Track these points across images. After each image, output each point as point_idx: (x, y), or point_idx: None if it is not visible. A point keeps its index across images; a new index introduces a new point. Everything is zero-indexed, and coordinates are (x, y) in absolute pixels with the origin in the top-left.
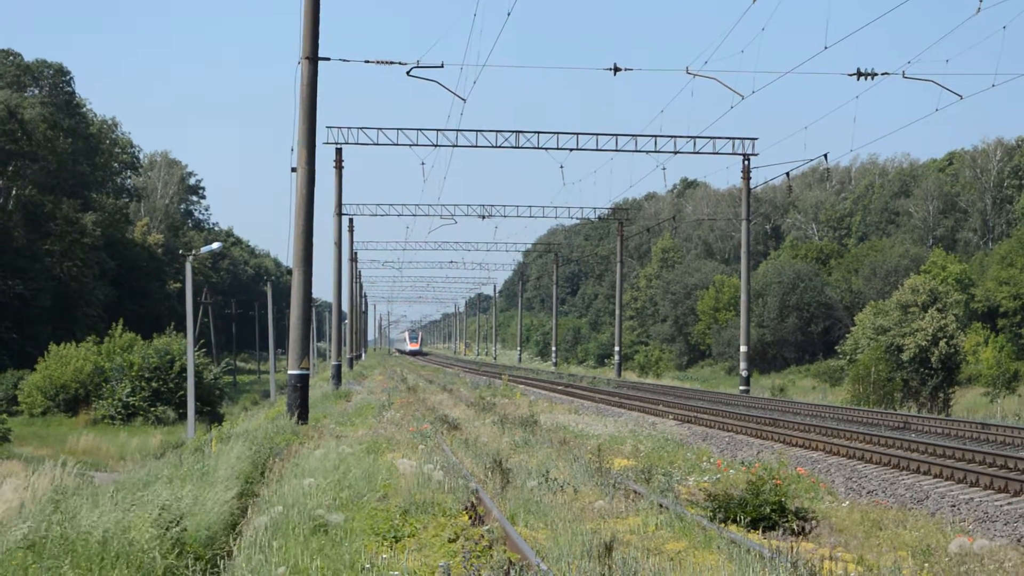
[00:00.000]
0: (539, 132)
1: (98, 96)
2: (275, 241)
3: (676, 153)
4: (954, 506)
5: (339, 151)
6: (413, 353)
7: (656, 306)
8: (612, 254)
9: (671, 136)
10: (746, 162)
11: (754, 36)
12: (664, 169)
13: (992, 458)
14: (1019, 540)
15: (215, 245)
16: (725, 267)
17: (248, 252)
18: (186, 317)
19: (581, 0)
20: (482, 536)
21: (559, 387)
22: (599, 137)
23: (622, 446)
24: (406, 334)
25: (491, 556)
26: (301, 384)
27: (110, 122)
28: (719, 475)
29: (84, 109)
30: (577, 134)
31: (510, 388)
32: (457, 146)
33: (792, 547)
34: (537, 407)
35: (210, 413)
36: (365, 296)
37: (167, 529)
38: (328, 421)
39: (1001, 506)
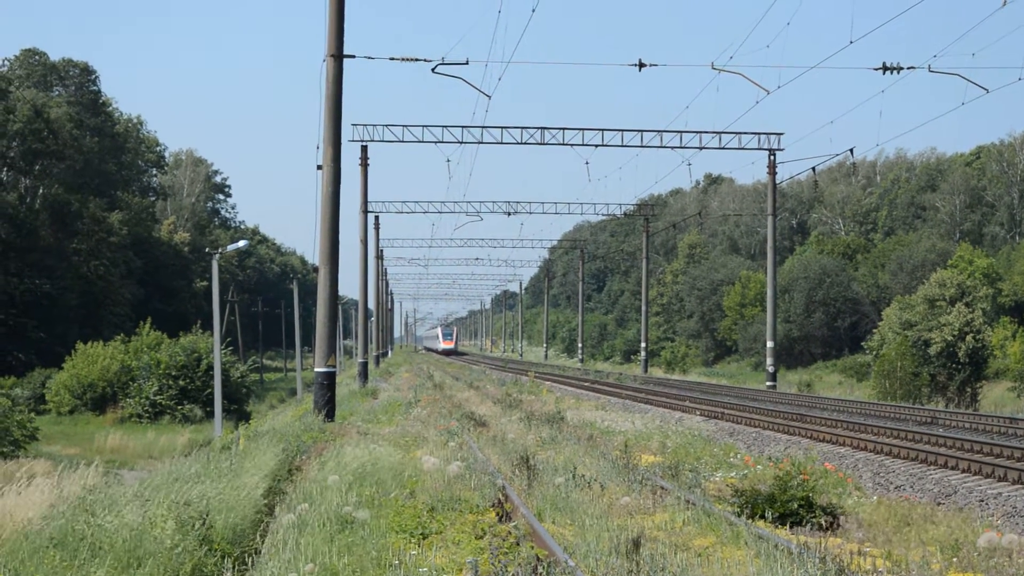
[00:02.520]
0: (564, 128)
1: (124, 95)
2: (301, 239)
3: (701, 149)
4: (982, 501)
5: (364, 148)
6: (447, 352)
7: (682, 302)
8: (638, 250)
9: (696, 132)
10: (772, 157)
11: (779, 31)
12: (690, 165)
13: (1021, 453)
14: None
15: (241, 243)
16: (751, 263)
17: (274, 250)
18: (212, 315)
19: None
20: (509, 533)
21: (585, 384)
22: (624, 133)
23: (649, 442)
24: (438, 330)
25: (519, 553)
26: (328, 382)
27: (135, 121)
28: (746, 471)
29: (110, 108)
30: (602, 130)
31: (536, 385)
32: (482, 143)
33: (820, 543)
34: (563, 404)
35: (237, 411)
36: (391, 293)
37: (193, 527)
38: (355, 419)
39: None
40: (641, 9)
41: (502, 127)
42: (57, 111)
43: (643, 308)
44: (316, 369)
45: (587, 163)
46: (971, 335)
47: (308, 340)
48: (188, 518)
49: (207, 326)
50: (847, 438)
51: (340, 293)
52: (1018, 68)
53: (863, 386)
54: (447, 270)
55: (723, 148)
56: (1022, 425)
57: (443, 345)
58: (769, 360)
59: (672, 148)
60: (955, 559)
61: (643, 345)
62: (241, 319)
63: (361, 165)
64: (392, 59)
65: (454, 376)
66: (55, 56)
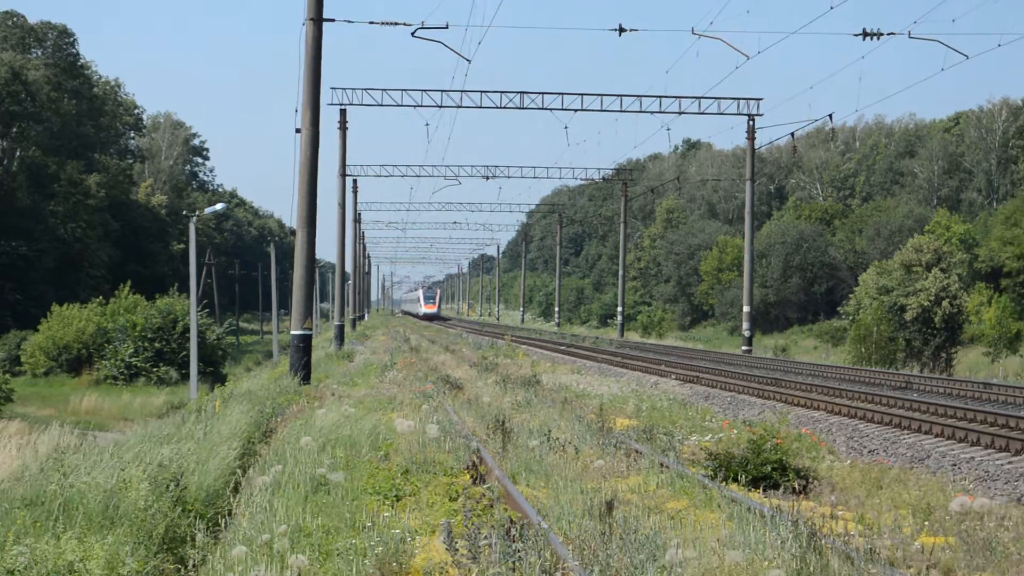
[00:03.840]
0: (543, 93)
1: (102, 58)
2: (279, 202)
3: (681, 114)
4: (955, 465)
5: (343, 112)
6: (429, 317)
7: (659, 267)
8: (616, 215)
9: (676, 97)
10: (751, 122)
11: None
12: (669, 130)
13: (993, 417)
14: (1019, 499)
15: (219, 206)
16: (728, 228)
17: (252, 213)
18: (189, 278)
19: None
20: (483, 495)
21: (561, 347)
22: (604, 98)
23: (624, 406)
24: (419, 292)
25: (492, 515)
26: (304, 344)
27: (114, 83)
28: (721, 434)
29: (88, 71)
30: (582, 95)
31: (512, 348)
32: (461, 107)
33: (793, 506)
34: (539, 367)
35: (213, 373)
36: (368, 257)
37: (167, 488)
38: (331, 381)
39: (1002, 465)
40: None
41: (481, 91)
42: (35, 74)
43: (620, 272)
44: (292, 332)
45: (566, 128)
46: (947, 300)
47: (285, 303)
48: (162, 479)
49: (184, 288)
50: (822, 402)
51: (317, 256)
52: (997, 34)
53: (839, 351)
54: (425, 233)
55: (702, 113)
56: (995, 390)
57: (425, 309)
58: (745, 324)
59: (651, 113)
60: (927, 522)
61: (620, 309)
62: (218, 282)
63: (340, 129)
64: (372, 23)
65: (430, 339)
66: (33, 19)
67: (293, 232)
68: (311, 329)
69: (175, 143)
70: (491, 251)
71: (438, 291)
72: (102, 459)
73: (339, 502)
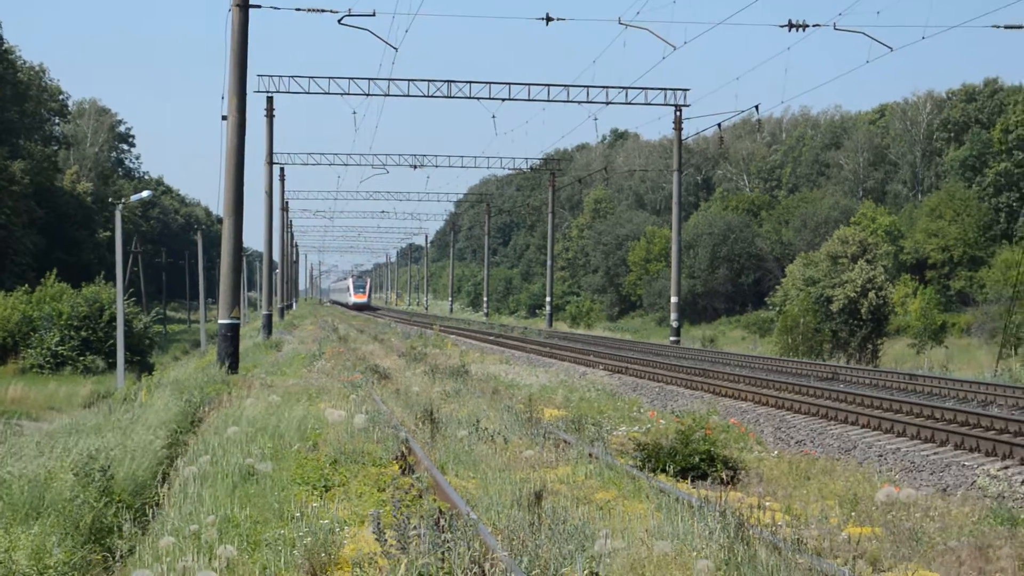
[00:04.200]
0: (471, 82)
1: (26, 43)
2: (206, 190)
3: (608, 104)
4: (881, 456)
5: (270, 100)
6: (359, 307)
7: (587, 257)
8: (544, 205)
9: (603, 87)
10: (678, 113)
11: None
12: (596, 120)
13: (919, 408)
14: (944, 489)
15: (145, 194)
16: (656, 218)
17: (178, 201)
18: (116, 266)
19: None
20: (412, 485)
21: (490, 337)
22: (531, 87)
23: (553, 396)
24: (348, 282)
25: (421, 505)
26: (231, 334)
27: (38, 69)
28: (649, 425)
29: (12, 56)
30: (509, 84)
31: (441, 338)
32: (389, 95)
33: (721, 496)
34: (468, 357)
35: (140, 363)
36: (296, 246)
37: (94, 478)
38: (258, 371)
39: (927, 456)
40: None
41: (409, 79)
42: None
43: (548, 262)
44: (220, 321)
45: (494, 117)
46: (873, 292)
47: (212, 292)
48: (89, 469)
49: (110, 277)
50: (749, 393)
51: (245, 245)
52: (922, 27)
53: (766, 342)
54: (353, 223)
55: (629, 103)
56: (921, 381)
57: (355, 299)
58: (673, 315)
59: (578, 103)
60: (854, 513)
61: (548, 299)
62: (145, 270)
63: (267, 116)
64: (298, 10)
65: (359, 329)
66: None
67: (220, 220)
68: (239, 318)
69: (100, 129)
70: (419, 241)
71: (368, 280)
72: (27, 449)
73: (267, 492)
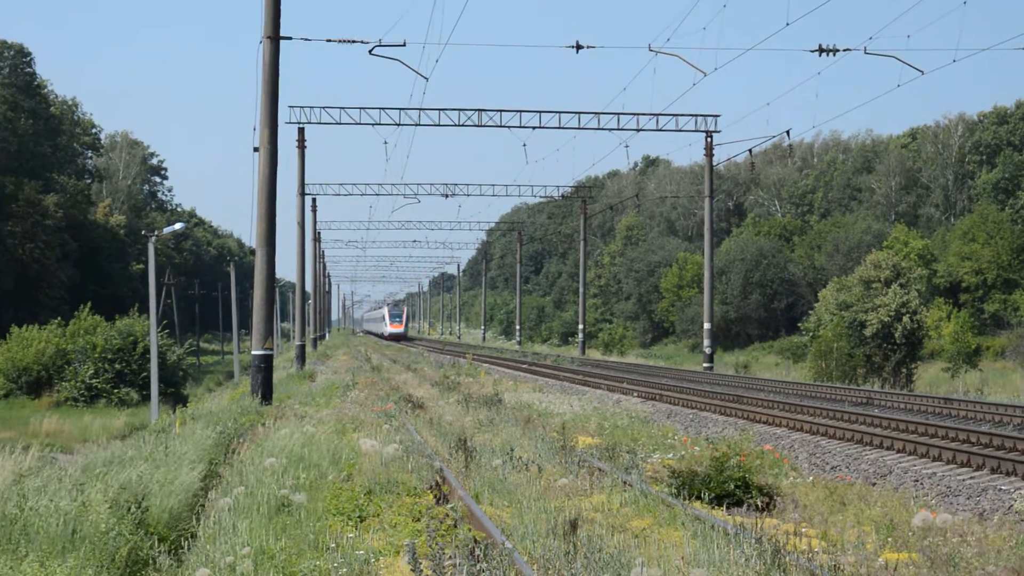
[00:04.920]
0: (502, 110)
1: (59, 77)
2: (238, 221)
3: (639, 131)
4: (917, 481)
5: (302, 131)
6: (395, 338)
7: (620, 284)
8: (575, 232)
9: (634, 114)
10: (709, 139)
11: (716, 13)
12: (627, 147)
13: (955, 433)
14: (981, 514)
15: (178, 226)
16: (688, 244)
17: (211, 233)
18: (149, 298)
19: None
20: (447, 515)
21: (523, 366)
22: (562, 115)
23: (586, 424)
24: (384, 311)
25: (456, 535)
26: (265, 365)
27: (71, 103)
28: (683, 452)
29: (45, 90)
30: (540, 112)
31: (474, 367)
32: (420, 125)
33: (756, 523)
34: (501, 386)
35: (174, 394)
36: (328, 276)
37: (129, 510)
38: (292, 401)
39: (963, 480)
40: None
41: (440, 109)
42: None
43: (580, 290)
44: (253, 352)
45: (524, 145)
46: (907, 316)
47: (245, 323)
48: (124, 501)
49: (144, 309)
50: (784, 419)
51: (277, 275)
52: (952, 50)
53: (799, 367)
54: (385, 252)
55: (660, 130)
56: (956, 405)
57: (391, 329)
58: (706, 341)
59: (609, 130)
60: (890, 538)
61: (581, 327)
62: (178, 302)
63: (298, 147)
64: (329, 41)
65: (392, 359)
66: None
67: (252, 251)
68: (272, 349)
69: (133, 162)
70: (451, 269)
71: (405, 308)
72: (64, 481)
73: (302, 523)
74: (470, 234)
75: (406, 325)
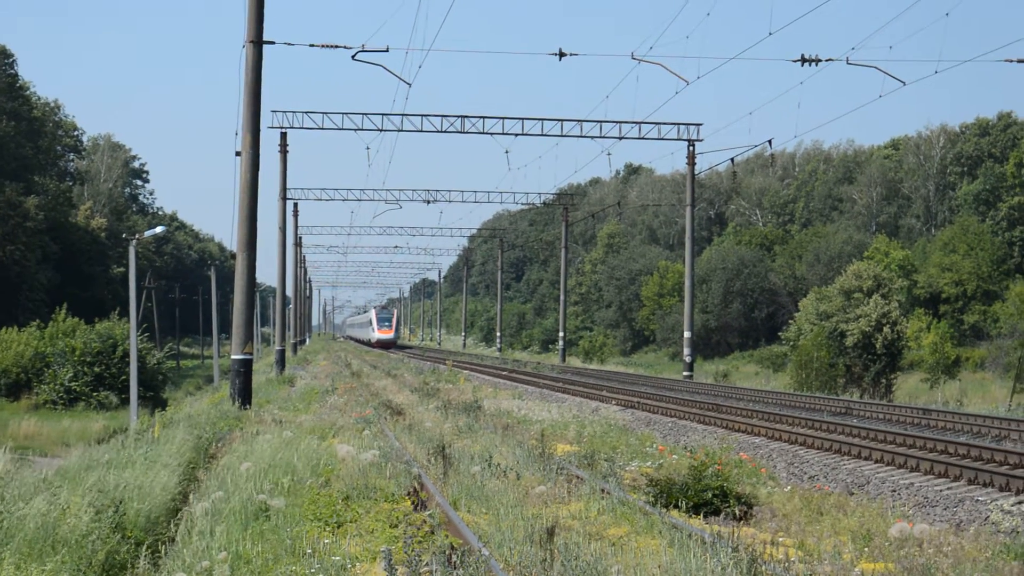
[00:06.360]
0: (484, 117)
1: (41, 79)
2: (220, 225)
3: (621, 138)
4: (895, 491)
5: (284, 135)
6: (384, 345)
7: (601, 292)
8: (557, 239)
9: (616, 121)
10: (691, 148)
11: (699, 21)
12: (609, 155)
13: (932, 443)
14: (958, 525)
15: (159, 229)
16: (669, 253)
17: (192, 236)
18: (129, 301)
19: None
20: (424, 521)
21: (503, 373)
22: (544, 122)
23: (565, 431)
24: (371, 314)
25: (433, 541)
26: (244, 369)
27: (53, 105)
28: (662, 460)
29: (27, 92)
30: (522, 119)
31: (454, 373)
32: (402, 131)
33: (734, 532)
34: (481, 392)
35: (153, 398)
36: (309, 281)
37: (107, 514)
38: (271, 406)
39: (941, 491)
40: None
41: (422, 115)
42: None
43: (561, 297)
44: (233, 356)
45: (507, 152)
46: (887, 326)
47: (225, 327)
48: (102, 505)
49: (124, 312)
50: (762, 428)
51: (258, 280)
52: (934, 61)
53: (779, 376)
54: (366, 258)
55: (642, 138)
56: (934, 416)
57: (379, 334)
58: (686, 350)
59: (592, 138)
60: (867, 549)
61: (561, 334)
62: (158, 306)
63: (280, 152)
64: (312, 45)
65: (372, 364)
66: None
67: (234, 255)
68: (252, 354)
69: (114, 165)
70: (432, 276)
71: (395, 312)
72: (40, 485)
73: (280, 529)
74: (451, 240)
75: (396, 330)
